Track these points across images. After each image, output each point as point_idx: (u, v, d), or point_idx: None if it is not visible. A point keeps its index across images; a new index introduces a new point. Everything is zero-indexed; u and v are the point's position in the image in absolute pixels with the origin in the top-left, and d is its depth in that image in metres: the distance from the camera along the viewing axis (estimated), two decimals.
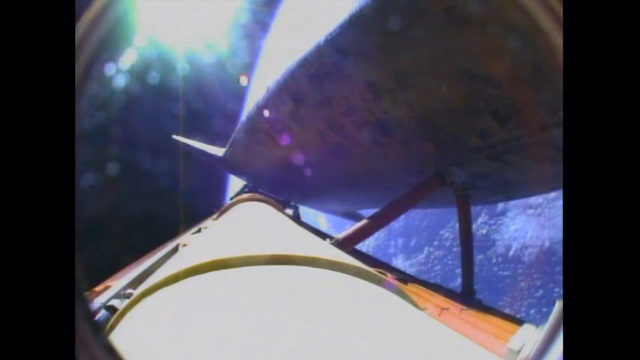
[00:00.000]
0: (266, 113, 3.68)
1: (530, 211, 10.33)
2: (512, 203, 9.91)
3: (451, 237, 11.83)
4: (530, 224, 10.42)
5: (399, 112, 2.93)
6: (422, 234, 12.44)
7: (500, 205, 10.24)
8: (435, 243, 12.18)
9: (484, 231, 10.94)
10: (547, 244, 10.00)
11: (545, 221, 10.13)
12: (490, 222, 10.71)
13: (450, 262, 11.73)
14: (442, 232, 12.10)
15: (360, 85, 2.88)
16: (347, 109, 3.21)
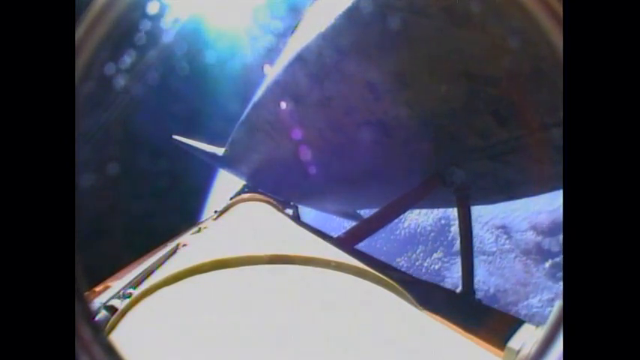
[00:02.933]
0: (283, 105, 3.65)
1: (483, 258, 10.44)
2: None
3: (405, 265, 11.95)
4: (480, 269, 10.54)
5: (399, 112, 2.93)
6: (380, 258, 12.57)
7: (457, 246, 10.36)
8: None
9: (437, 266, 11.06)
10: (492, 290, 10.10)
11: (494, 269, 10.24)
12: (445, 259, 10.87)
13: None
14: (399, 259, 12.20)
15: (360, 85, 2.88)
16: (347, 109, 3.21)
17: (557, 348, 0.43)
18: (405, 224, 10.82)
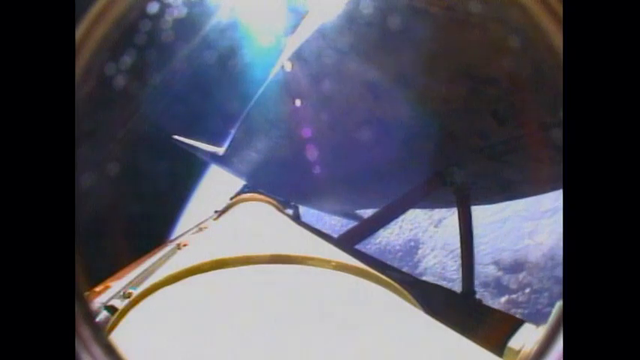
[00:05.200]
0: (297, 102, 3.63)
1: (444, 283, 10.53)
2: (429, 271, 10.15)
3: None
4: None
5: (399, 112, 2.93)
6: None
7: (421, 268, 10.49)
8: None
9: None
10: None
11: None
12: None
13: None
14: None
15: (360, 85, 2.88)
16: (347, 109, 3.21)
17: (557, 348, 0.43)
18: (377, 240, 11.02)
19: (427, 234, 9.97)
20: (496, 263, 8.41)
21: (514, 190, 3.61)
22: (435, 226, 9.75)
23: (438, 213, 9.62)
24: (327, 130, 3.59)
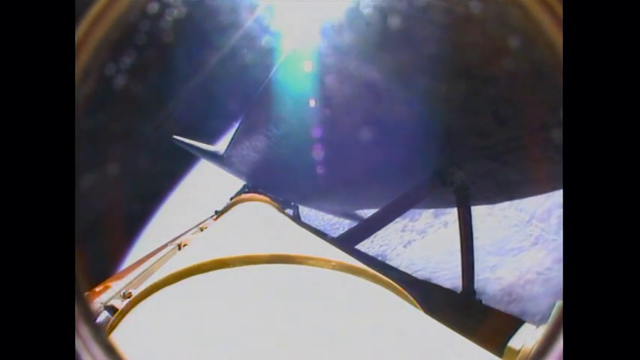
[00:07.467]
0: (312, 103, 3.62)
1: None
2: None
3: None
4: None
5: (399, 112, 2.93)
6: None
7: None
8: None
9: None
10: None
11: None
12: None
13: None
14: None
15: (360, 85, 2.88)
16: (347, 109, 3.21)
17: (557, 348, 0.43)
18: None
19: (395, 252, 10.15)
20: (453, 288, 8.55)
21: (514, 191, 3.61)
22: (404, 247, 9.93)
23: (410, 234, 9.75)
24: (327, 130, 3.59)
